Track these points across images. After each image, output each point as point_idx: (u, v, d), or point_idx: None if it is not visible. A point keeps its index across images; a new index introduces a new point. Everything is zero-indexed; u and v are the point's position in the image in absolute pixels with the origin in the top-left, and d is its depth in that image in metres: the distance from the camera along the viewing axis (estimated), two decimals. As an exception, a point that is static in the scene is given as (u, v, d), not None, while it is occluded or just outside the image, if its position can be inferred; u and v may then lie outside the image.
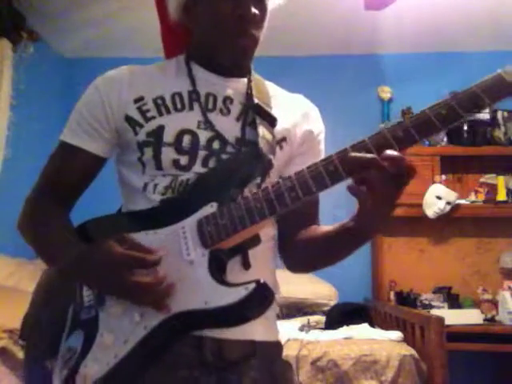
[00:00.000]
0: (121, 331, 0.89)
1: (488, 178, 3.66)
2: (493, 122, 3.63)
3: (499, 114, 3.66)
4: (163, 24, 1.16)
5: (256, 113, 1.04)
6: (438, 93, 3.82)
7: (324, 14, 3.43)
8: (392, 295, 3.57)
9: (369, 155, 0.80)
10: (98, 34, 3.62)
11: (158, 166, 0.99)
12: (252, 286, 0.84)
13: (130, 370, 0.88)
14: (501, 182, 3.56)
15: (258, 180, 1.01)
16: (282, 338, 2.69)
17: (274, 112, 1.06)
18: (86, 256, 0.92)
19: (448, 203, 3.44)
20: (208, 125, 1.01)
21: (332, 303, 3.31)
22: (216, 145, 1.00)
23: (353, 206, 0.87)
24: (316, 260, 1.07)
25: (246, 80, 1.09)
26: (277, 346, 1.05)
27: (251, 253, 0.96)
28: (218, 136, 1.01)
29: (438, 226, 3.61)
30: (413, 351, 2.44)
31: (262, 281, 0.85)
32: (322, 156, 1.07)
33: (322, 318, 3.14)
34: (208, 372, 0.92)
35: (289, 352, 2.44)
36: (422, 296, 3.50)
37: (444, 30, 3.62)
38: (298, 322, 3.07)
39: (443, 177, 3.55)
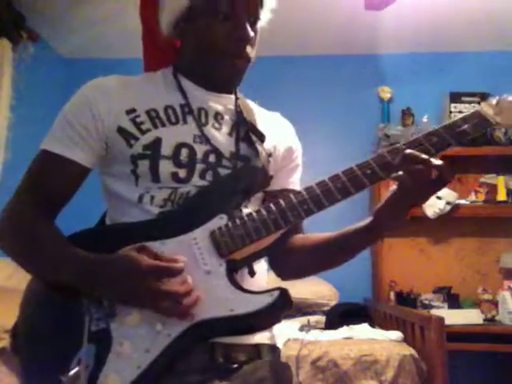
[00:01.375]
0: (140, 340, 0.88)
1: (488, 178, 3.66)
2: (493, 122, 3.63)
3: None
4: (146, 38, 1.18)
5: (248, 129, 1.08)
6: (438, 93, 3.84)
7: (324, 14, 3.42)
8: (392, 295, 3.57)
9: (424, 155, 0.89)
10: (98, 34, 3.61)
11: (155, 178, 0.99)
12: (276, 293, 0.90)
13: (154, 379, 0.88)
14: (501, 182, 3.55)
15: (260, 193, 1.08)
16: (282, 338, 2.72)
17: (260, 129, 1.11)
18: (106, 268, 0.90)
19: (448, 203, 3.44)
20: (203, 138, 1.03)
21: (332, 303, 3.31)
22: (212, 158, 1.03)
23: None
24: (312, 266, 1.13)
25: (233, 97, 1.12)
26: (276, 350, 1.09)
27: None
28: (214, 150, 1.03)
29: (438, 226, 3.61)
30: (413, 351, 2.44)
31: (283, 288, 0.91)
32: (300, 170, 1.20)
33: (322, 318, 3.14)
34: (218, 375, 0.94)
35: (289, 352, 2.44)
36: (422, 296, 3.50)
37: (444, 30, 3.62)
38: (298, 322, 3.07)
39: (443, 177, 3.54)
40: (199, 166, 1.01)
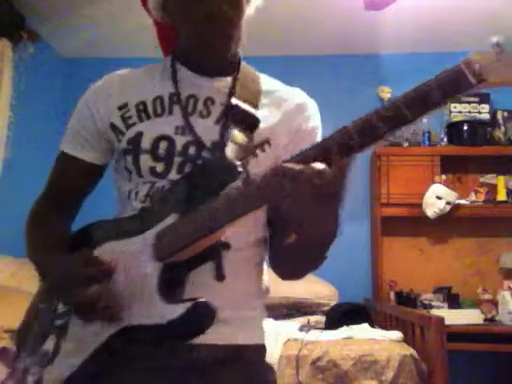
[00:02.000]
0: (82, 340, 0.91)
1: (488, 178, 3.66)
2: (493, 122, 3.63)
3: (499, 114, 3.66)
4: (156, 24, 1.13)
5: (234, 114, 0.99)
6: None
7: (324, 14, 3.43)
8: (392, 295, 3.57)
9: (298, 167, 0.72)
10: (98, 34, 3.62)
11: (139, 173, 0.99)
12: (188, 304, 0.83)
13: (84, 379, 0.90)
14: (501, 181, 3.56)
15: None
16: (282, 338, 2.71)
17: (261, 111, 1.02)
18: (53, 270, 0.96)
19: (448, 203, 3.44)
20: (186, 129, 0.98)
21: (332, 303, 3.31)
22: (192, 150, 0.97)
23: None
24: (296, 265, 1.00)
25: (229, 79, 1.04)
26: (258, 349, 1.03)
27: (227, 263, 0.93)
28: (195, 141, 0.97)
29: (438, 226, 3.61)
30: (413, 351, 2.44)
31: (201, 299, 0.84)
32: None
33: (322, 318, 3.14)
34: (194, 375, 0.92)
35: (289, 352, 2.44)
36: (421, 296, 3.50)
37: (444, 30, 3.62)
38: (298, 322, 3.07)
39: (443, 177, 3.55)
40: (177, 160, 0.97)
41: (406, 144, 3.63)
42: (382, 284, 3.60)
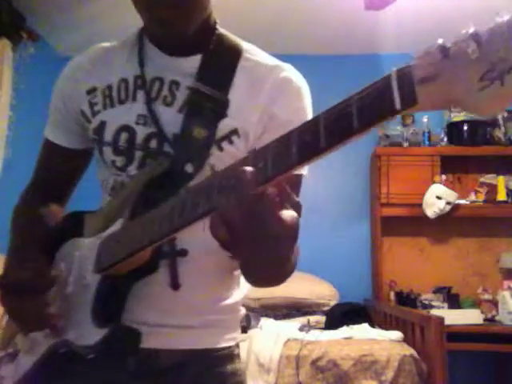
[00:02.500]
0: (36, 339, 0.88)
1: (488, 178, 3.66)
2: (493, 122, 3.63)
3: (499, 114, 3.66)
4: None
5: (197, 100, 0.86)
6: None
7: (324, 13, 3.43)
8: (392, 295, 3.57)
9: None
10: (98, 33, 3.61)
11: (106, 164, 0.91)
12: (105, 331, 0.74)
13: (38, 378, 0.87)
14: (501, 182, 3.56)
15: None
16: (282, 338, 2.71)
17: (233, 94, 0.87)
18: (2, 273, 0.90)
19: (448, 203, 3.44)
20: (148, 118, 0.87)
21: (332, 303, 3.31)
22: (153, 143, 0.87)
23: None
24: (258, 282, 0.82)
25: (199, 57, 0.90)
26: (224, 353, 0.93)
27: (184, 270, 0.86)
28: (158, 132, 0.86)
29: (438, 226, 3.61)
30: (413, 351, 2.44)
31: (121, 323, 0.77)
32: None
33: (322, 318, 3.14)
34: (147, 380, 0.87)
35: (289, 352, 2.44)
36: (422, 296, 3.50)
37: (444, 29, 3.61)
38: (298, 322, 3.08)
39: (443, 177, 3.55)
40: (138, 154, 0.87)
41: (406, 144, 3.63)
42: (382, 284, 3.60)
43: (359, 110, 0.51)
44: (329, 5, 3.33)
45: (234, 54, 0.91)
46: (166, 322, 0.87)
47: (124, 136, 0.88)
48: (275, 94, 0.88)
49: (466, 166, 3.77)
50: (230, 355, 0.94)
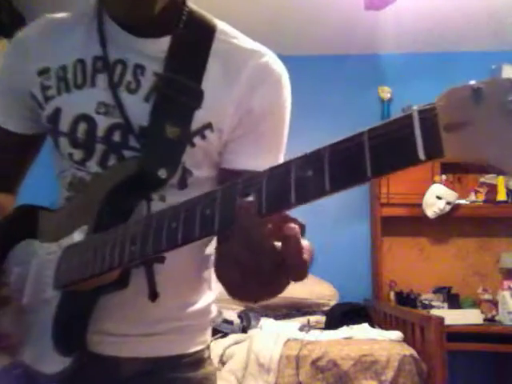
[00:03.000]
0: None
1: (488, 178, 3.66)
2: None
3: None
4: None
5: (166, 88, 0.76)
6: (438, 93, 3.83)
7: (324, 13, 3.43)
8: (392, 295, 3.58)
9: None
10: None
11: (62, 156, 0.81)
12: (69, 360, 0.68)
13: (11, 379, 0.80)
14: (501, 182, 3.55)
15: (156, 195, 0.76)
16: (282, 338, 2.71)
17: (206, 81, 0.78)
18: None
19: (448, 203, 3.44)
20: (110, 108, 0.77)
21: (332, 303, 3.31)
22: (117, 136, 0.77)
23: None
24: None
25: (168, 38, 0.79)
26: (191, 358, 0.87)
27: (160, 279, 0.77)
28: (122, 123, 0.76)
29: (438, 226, 3.61)
30: (413, 351, 2.44)
31: (86, 350, 0.71)
32: (268, 138, 0.81)
33: (322, 318, 3.14)
34: None
35: (289, 352, 2.44)
36: (421, 296, 3.50)
37: (444, 29, 3.62)
38: (298, 322, 3.08)
39: (443, 177, 3.55)
40: (99, 147, 0.77)
41: (406, 144, 3.63)
42: (382, 284, 3.60)
43: (374, 155, 0.43)
44: (329, 5, 3.33)
45: (207, 35, 0.81)
46: (134, 331, 0.81)
47: (82, 126, 0.77)
48: (253, 83, 0.79)
49: (466, 165, 3.76)
50: (200, 359, 0.88)
